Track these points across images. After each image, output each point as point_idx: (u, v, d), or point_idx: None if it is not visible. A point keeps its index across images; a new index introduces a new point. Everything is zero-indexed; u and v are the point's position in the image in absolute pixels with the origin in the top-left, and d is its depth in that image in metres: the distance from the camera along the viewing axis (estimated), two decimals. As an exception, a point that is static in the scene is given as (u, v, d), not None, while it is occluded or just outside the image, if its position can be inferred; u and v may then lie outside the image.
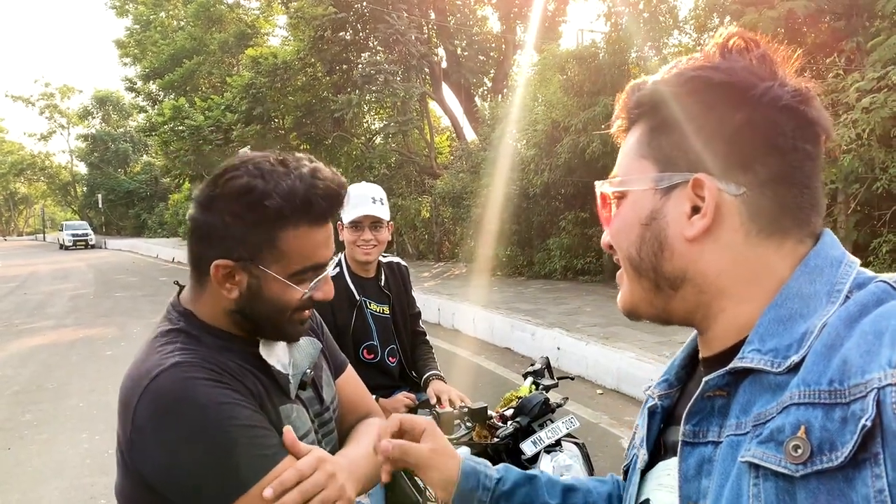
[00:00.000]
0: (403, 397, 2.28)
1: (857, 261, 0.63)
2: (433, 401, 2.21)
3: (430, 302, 9.32)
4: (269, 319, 1.01)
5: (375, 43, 18.36)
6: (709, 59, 0.65)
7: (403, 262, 2.58)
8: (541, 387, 2.20)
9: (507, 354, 7.21)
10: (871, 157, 6.27)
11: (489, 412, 2.03)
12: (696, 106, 0.64)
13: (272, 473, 0.91)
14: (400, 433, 0.97)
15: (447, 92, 19.93)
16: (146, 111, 36.28)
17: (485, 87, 20.99)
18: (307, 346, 1.14)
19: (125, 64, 38.65)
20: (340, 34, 18.19)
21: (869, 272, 0.61)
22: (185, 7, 32.58)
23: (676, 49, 10.91)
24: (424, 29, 18.58)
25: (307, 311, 1.05)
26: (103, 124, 53.69)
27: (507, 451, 2.00)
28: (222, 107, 21.35)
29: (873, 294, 0.57)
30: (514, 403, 2.12)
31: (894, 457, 0.48)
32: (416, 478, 2.24)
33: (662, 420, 0.75)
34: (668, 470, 0.70)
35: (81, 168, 57.28)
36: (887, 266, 6.41)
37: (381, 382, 2.33)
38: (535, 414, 2.05)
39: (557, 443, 2.06)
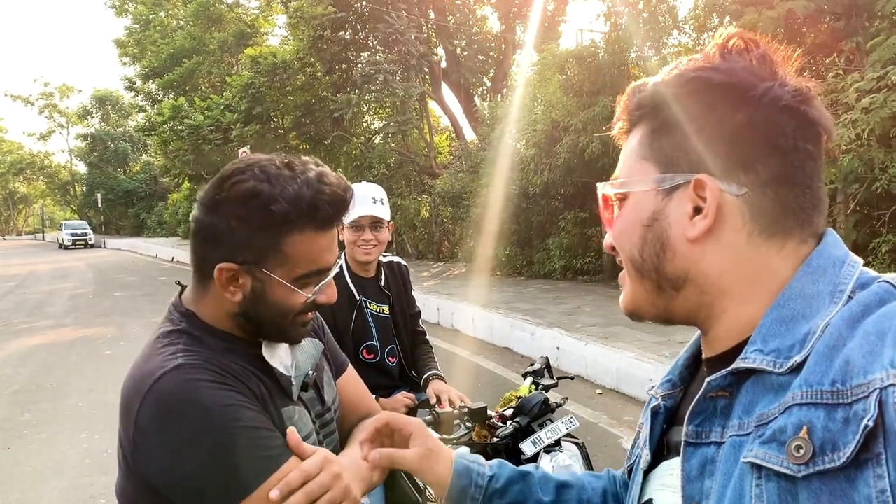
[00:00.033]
0: (403, 397, 2.28)
1: (860, 261, 0.63)
2: (433, 401, 2.21)
3: (430, 302, 9.33)
4: (272, 322, 1.01)
5: (375, 42, 18.34)
6: (709, 59, 0.66)
7: (403, 262, 2.58)
8: (540, 387, 2.20)
9: (507, 354, 7.21)
10: (870, 157, 6.27)
11: (489, 412, 2.03)
12: (697, 107, 0.64)
13: (277, 475, 0.91)
14: (390, 433, 0.97)
15: (447, 91, 19.93)
16: (145, 111, 36.25)
17: (484, 87, 20.99)
18: (309, 348, 1.14)
19: (124, 63, 38.66)
20: (340, 34, 18.18)
21: (872, 272, 0.62)
22: (184, 6, 32.56)
23: (676, 49, 10.91)
24: (424, 28, 18.57)
25: (310, 314, 1.05)
26: (102, 124, 53.67)
27: (506, 451, 2.00)
28: (221, 106, 21.36)
29: (876, 294, 0.57)
30: (513, 403, 2.11)
31: (896, 457, 0.48)
32: (415, 477, 2.24)
33: (666, 420, 0.75)
34: (670, 470, 0.71)
35: (81, 167, 57.30)
36: (886, 266, 6.41)
37: (381, 382, 2.33)
38: (535, 414, 2.05)
39: (557, 443, 2.05)
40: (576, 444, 2.18)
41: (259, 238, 0.95)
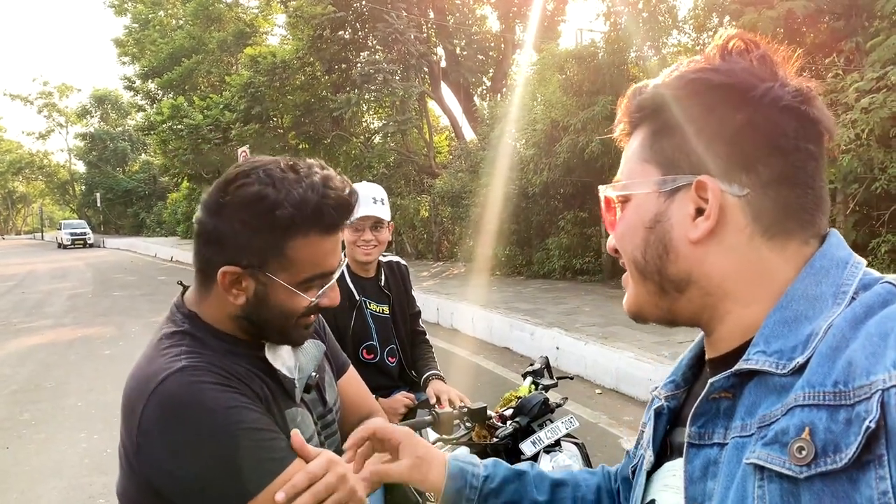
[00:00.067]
0: (403, 397, 2.28)
1: (863, 261, 0.63)
2: (433, 401, 2.21)
3: (429, 301, 9.32)
4: (274, 325, 1.01)
5: (374, 42, 18.33)
6: (709, 61, 0.66)
7: (403, 262, 2.57)
8: (540, 387, 2.20)
9: (506, 354, 7.21)
10: (869, 157, 6.27)
11: (488, 412, 2.03)
12: (697, 108, 0.64)
13: (282, 477, 0.91)
14: (380, 442, 0.96)
15: (446, 91, 19.92)
16: (145, 110, 36.26)
17: (484, 87, 20.98)
18: (311, 349, 1.14)
19: (124, 63, 38.64)
20: (339, 33, 18.17)
21: (875, 273, 0.61)
22: (183, 6, 32.55)
23: (675, 49, 10.92)
24: (423, 28, 18.56)
25: (312, 317, 1.05)
26: (102, 123, 53.65)
27: (506, 451, 2.00)
28: (221, 106, 21.36)
29: (879, 295, 0.57)
30: (513, 403, 2.11)
31: (899, 458, 0.48)
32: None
33: (669, 421, 0.75)
34: (673, 471, 0.71)
35: (80, 167, 57.29)
36: (886, 266, 6.41)
37: (381, 382, 2.32)
38: (535, 414, 2.04)
39: (557, 443, 2.05)
40: (575, 444, 2.18)
41: (263, 242, 0.94)
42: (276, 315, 0.99)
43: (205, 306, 1.02)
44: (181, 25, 33.08)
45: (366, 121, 21.45)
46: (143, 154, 50.20)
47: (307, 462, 0.94)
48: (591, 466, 2.16)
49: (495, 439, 1.99)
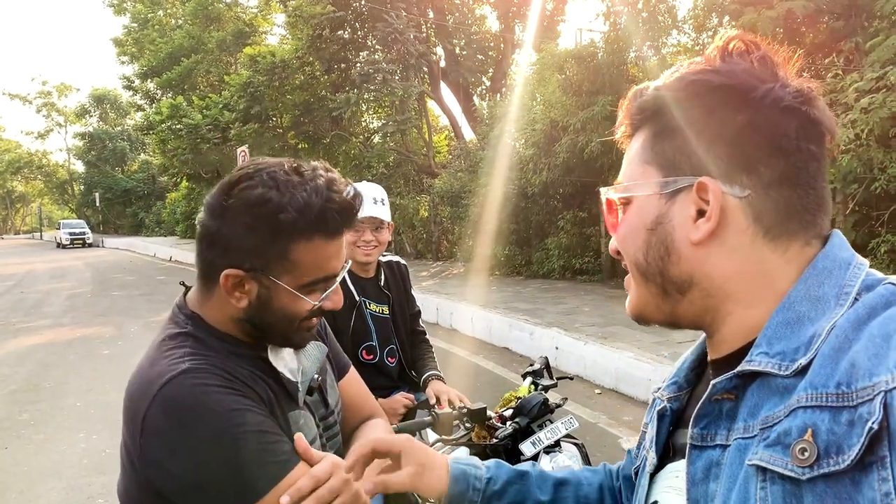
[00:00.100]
0: (402, 398, 2.28)
1: (866, 262, 0.63)
2: (432, 401, 2.20)
3: (429, 301, 9.32)
4: (277, 328, 1.00)
5: (374, 42, 18.34)
6: (709, 62, 0.66)
7: (403, 262, 2.57)
8: (540, 387, 2.20)
9: (506, 354, 7.21)
10: (869, 157, 6.28)
11: (488, 413, 2.03)
12: (698, 110, 0.64)
13: (286, 480, 0.90)
14: (382, 455, 0.95)
15: (445, 91, 19.93)
16: (144, 110, 36.26)
17: (483, 87, 20.99)
18: (314, 351, 1.14)
19: (123, 62, 38.61)
20: (339, 33, 18.17)
21: (878, 274, 0.61)
22: (182, 5, 32.55)
23: (675, 49, 10.92)
24: (423, 28, 18.56)
25: (315, 320, 1.04)
26: (101, 123, 53.60)
27: (506, 451, 2.00)
28: (220, 105, 21.36)
29: (881, 296, 0.57)
30: (513, 404, 2.11)
31: (901, 460, 0.48)
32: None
33: (671, 422, 0.75)
34: (676, 472, 0.71)
35: (79, 166, 57.24)
36: (885, 266, 6.42)
37: (380, 383, 2.32)
38: (535, 414, 2.04)
39: (557, 443, 2.05)
40: (575, 444, 2.17)
41: (266, 245, 0.94)
42: (279, 318, 0.99)
43: (207, 308, 1.02)
44: (180, 25, 33.06)
45: (365, 120, 21.46)
46: (142, 154, 50.18)
47: (311, 465, 0.94)
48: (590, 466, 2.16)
49: (495, 440, 1.99)
